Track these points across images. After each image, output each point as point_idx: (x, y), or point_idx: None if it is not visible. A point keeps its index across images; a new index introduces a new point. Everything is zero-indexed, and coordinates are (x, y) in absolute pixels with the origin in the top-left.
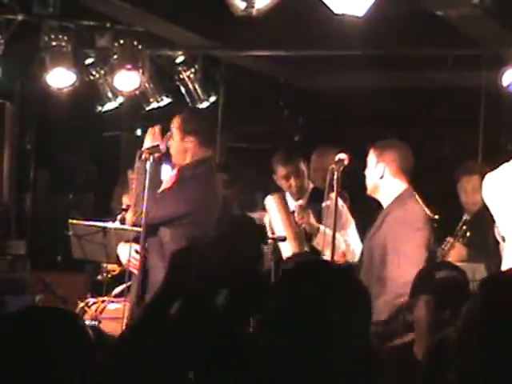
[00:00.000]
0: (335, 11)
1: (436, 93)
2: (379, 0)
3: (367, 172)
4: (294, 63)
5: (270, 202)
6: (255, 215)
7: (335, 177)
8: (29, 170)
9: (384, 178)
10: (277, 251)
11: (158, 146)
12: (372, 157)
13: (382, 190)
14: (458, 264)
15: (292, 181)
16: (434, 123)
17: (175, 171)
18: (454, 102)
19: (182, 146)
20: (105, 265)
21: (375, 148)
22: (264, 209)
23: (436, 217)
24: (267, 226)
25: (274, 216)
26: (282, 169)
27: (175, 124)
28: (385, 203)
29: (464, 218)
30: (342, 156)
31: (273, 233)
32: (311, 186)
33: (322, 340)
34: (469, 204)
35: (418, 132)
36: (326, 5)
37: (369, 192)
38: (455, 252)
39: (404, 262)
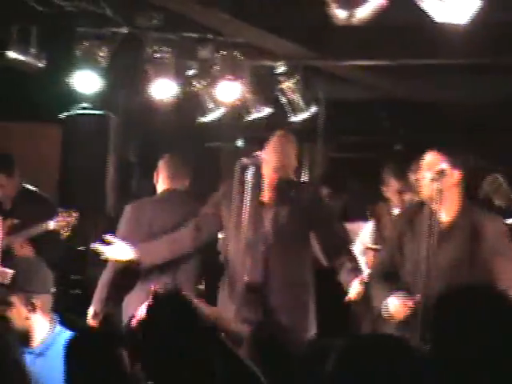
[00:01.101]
0: (436, 19)
1: None
2: (481, 8)
3: (429, 177)
4: (395, 73)
5: (378, 210)
6: (353, 226)
7: (436, 188)
8: (133, 182)
9: (458, 186)
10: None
11: (258, 156)
12: (441, 162)
13: (448, 197)
14: None
15: (405, 196)
16: None
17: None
18: None
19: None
20: None
21: (444, 153)
22: (364, 219)
23: None
24: (367, 234)
25: (380, 224)
26: (396, 183)
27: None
28: (448, 211)
29: None
30: (443, 166)
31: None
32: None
33: None
34: None
35: None
36: (427, 13)
37: (430, 198)
38: None
39: None
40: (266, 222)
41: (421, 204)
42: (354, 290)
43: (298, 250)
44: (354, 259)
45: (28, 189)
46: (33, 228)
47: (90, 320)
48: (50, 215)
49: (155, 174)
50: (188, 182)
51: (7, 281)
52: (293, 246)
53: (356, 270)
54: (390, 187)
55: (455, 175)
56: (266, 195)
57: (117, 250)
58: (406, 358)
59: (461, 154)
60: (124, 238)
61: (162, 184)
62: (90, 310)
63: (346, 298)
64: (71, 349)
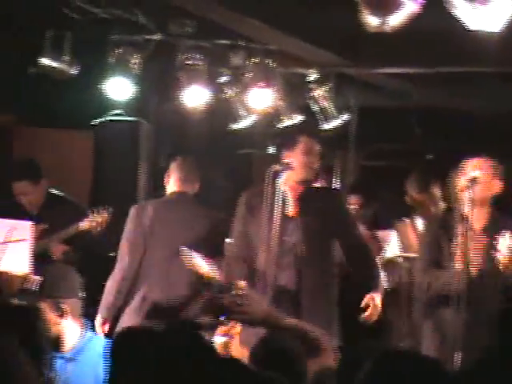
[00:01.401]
0: (470, 27)
1: None
2: None
3: (463, 184)
4: (428, 81)
5: (401, 227)
6: (384, 234)
7: (468, 196)
8: (165, 188)
9: (492, 195)
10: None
11: (289, 163)
12: (486, 170)
13: (482, 205)
14: None
15: (427, 208)
16: None
17: (299, 190)
18: None
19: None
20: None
21: (491, 162)
22: (391, 227)
23: None
24: (396, 244)
25: (404, 241)
26: (417, 196)
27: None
28: (480, 219)
29: None
30: (477, 174)
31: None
32: (442, 205)
33: None
34: None
35: None
36: (460, 20)
37: (463, 205)
38: None
39: None
40: (292, 234)
41: (451, 211)
42: (368, 307)
43: (324, 257)
44: (375, 269)
45: (54, 194)
46: (64, 230)
47: (98, 329)
48: (80, 217)
49: (166, 176)
50: (198, 185)
51: (35, 287)
52: (319, 254)
53: (376, 282)
54: (413, 197)
55: (494, 185)
56: (291, 206)
57: (202, 262)
58: (438, 376)
59: (498, 163)
60: (128, 238)
61: (172, 186)
62: (98, 319)
63: (361, 316)
64: (112, 350)
